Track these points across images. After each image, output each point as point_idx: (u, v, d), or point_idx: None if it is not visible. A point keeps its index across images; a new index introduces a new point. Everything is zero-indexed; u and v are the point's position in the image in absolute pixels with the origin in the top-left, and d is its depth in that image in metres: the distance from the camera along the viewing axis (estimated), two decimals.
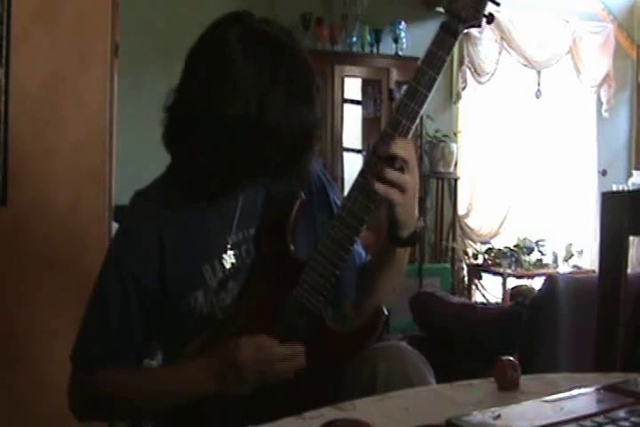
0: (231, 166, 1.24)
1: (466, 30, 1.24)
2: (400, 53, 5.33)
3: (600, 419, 0.84)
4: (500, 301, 5.28)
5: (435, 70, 1.22)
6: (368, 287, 1.38)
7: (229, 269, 1.32)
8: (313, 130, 1.26)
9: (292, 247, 1.30)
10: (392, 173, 1.20)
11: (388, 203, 1.23)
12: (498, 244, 5.76)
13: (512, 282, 5.35)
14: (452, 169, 5.54)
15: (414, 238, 1.30)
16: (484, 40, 5.72)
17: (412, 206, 1.26)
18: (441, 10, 1.24)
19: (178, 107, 1.26)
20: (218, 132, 1.21)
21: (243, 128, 1.20)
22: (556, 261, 5.84)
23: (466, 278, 5.75)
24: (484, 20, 1.25)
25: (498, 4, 1.24)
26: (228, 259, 1.32)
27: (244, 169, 1.25)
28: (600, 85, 6.18)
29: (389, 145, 1.20)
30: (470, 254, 5.77)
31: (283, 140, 1.23)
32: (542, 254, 5.71)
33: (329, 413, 0.92)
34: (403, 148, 1.21)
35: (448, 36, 1.23)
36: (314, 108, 1.25)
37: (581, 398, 0.94)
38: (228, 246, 1.32)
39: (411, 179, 1.22)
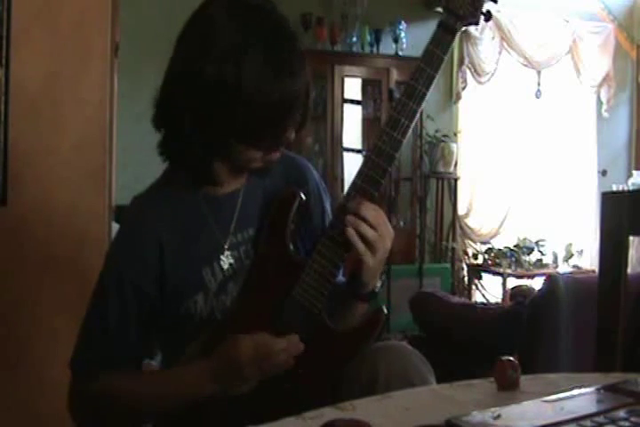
0: (206, 132, 1.22)
1: (464, 28, 1.25)
2: (400, 53, 5.33)
3: (600, 419, 0.84)
4: (499, 301, 5.28)
5: (433, 68, 1.22)
6: None
7: (227, 270, 1.31)
8: (293, 100, 1.20)
9: (291, 247, 1.30)
10: (366, 230, 1.20)
11: (357, 262, 1.22)
12: (498, 244, 5.77)
13: (512, 282, 5.35)
14: (452, 169, 5.54)
15: (371, 297, 1.30)
16: (484, 40, 5.72)
17: (378, 269, 1.25)
18: (441, 10, 1.24)
19: (165, 76, 1.26)
20: (195, 93, 1.19)
21: (219, 88, 1.17)
22: (555, 261, 5.84)
23: (466, 278, 5.75)
24: (482, 17, 1.25)
25: (495, 2, 1.24)
26: (226, 260, 1.32)
27: (219, 135, 1.22)
28: (600, 85, 6.18)
29: (360, 209, 1.19)
30: (470, 254, 5.77)
31: (259, 106, 1.18)
32: (542, 254, 5.71)
33: (329, 413, 0.92)
34: (373, 214, 1.20)
35: (446, 34, 1.23)
36: (294, 76, 1.19)
37: (581, 398, 0.94)
38: (226, 247, 1.32)
39: (380, 243, 1.21)
